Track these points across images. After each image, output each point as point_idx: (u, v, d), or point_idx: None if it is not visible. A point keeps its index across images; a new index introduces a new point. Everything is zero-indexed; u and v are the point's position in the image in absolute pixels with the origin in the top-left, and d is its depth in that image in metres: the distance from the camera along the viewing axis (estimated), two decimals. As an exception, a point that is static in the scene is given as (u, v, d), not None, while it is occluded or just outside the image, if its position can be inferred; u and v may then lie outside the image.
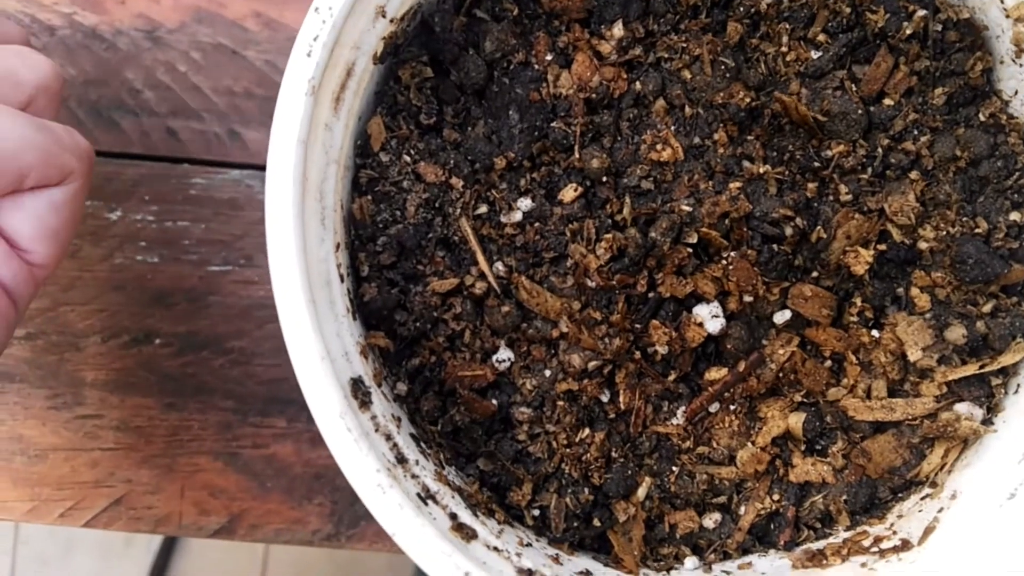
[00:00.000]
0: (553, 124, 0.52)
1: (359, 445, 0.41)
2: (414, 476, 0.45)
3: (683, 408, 0.54)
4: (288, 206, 0.40)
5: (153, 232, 0.61)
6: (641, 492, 0.53)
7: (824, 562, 0.51)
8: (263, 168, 0.59)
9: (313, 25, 0.42)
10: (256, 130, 0.62)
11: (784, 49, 0.54)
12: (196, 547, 1.41)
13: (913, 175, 0.54)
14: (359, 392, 0.44)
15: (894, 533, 0.52)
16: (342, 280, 0.46)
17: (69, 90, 0.61)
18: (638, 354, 0.53)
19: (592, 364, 0.51)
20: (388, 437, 0.45)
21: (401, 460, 0.45)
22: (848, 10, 0.54)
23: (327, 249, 0.45)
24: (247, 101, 0.62)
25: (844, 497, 0.54)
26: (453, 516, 0.46)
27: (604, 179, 0.52)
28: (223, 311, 0.61)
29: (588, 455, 0.52)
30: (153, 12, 0.62)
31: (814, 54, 0.54)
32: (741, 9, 0.54)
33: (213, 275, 0.61)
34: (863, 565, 0.50)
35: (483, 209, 0.52)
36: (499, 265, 0.51)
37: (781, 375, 0.54)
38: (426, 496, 0.44)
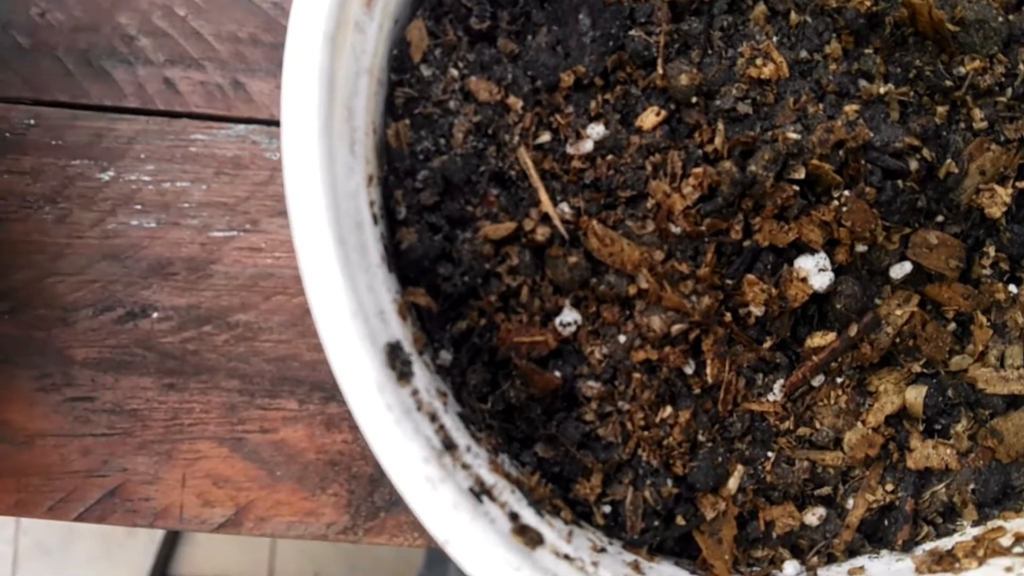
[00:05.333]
0: (631, 32, 0.42)
1: (402, 427, 0.32)
2: (465, 466, 0.36)
3: (781, 381, 0.45)
4: (312, 119, 0.31)
5: (149, 194, 0.56)
6: (732, 483, 0.44)
7: (956, 565, 0.43)
8: (270, 123, 0.56)
9: None
10: (263, 80, 0.56)
11: (911, -59, 0.44)
12: (202, 534, 1.37)
13: (1063, 98, 0.44)
14: (397, 361, 0.35)
15: (1039, 531, 0.43)
16: (375, 222, 0.37)
17: (57, 37, 0.56)
18: (728, 316, 0.44)
19: (676, 328, 0.42)
20: (433, 417, 0.36)
21: (449, 446, 0.36)
22: None
23: (357, 182, 0.36)
24: (253, 48, 0.57)
25: (972, 486, 0.45)
26: (514, 516, 0.37)
27: (693, 101, 0.43)
28: (227, 281, 0.56)
29: (670, 439, 0.43)
30: None
31: (948, -52, 0.44)
32: None
33: (216, 241, 0.56)
34: (1008, 569, 0.42)
35: (546, 137, 0.42)
36: (564, 206, 0.42)
37: (898, 340, 0.45)
38: (481, 491, 0.36)
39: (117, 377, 0.55)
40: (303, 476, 0.55)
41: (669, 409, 0.43)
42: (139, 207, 0.56)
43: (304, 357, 0.55)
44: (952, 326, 0.46)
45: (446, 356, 0.40)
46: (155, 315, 0.56)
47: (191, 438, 0.55)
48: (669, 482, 0.43)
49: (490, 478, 0.36)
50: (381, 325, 0.35)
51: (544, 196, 0.41)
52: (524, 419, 0.42)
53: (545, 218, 0.41)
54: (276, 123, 0.57)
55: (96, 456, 0.55)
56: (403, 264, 0.39)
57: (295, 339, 0.56)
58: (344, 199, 0.34)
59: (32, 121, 0.56)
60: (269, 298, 0.56)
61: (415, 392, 0.36)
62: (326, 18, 0.31)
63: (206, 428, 0.55)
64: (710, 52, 0.44)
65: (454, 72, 0.41)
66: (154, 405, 0.55)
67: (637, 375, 0.43)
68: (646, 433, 0.43)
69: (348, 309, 0.31)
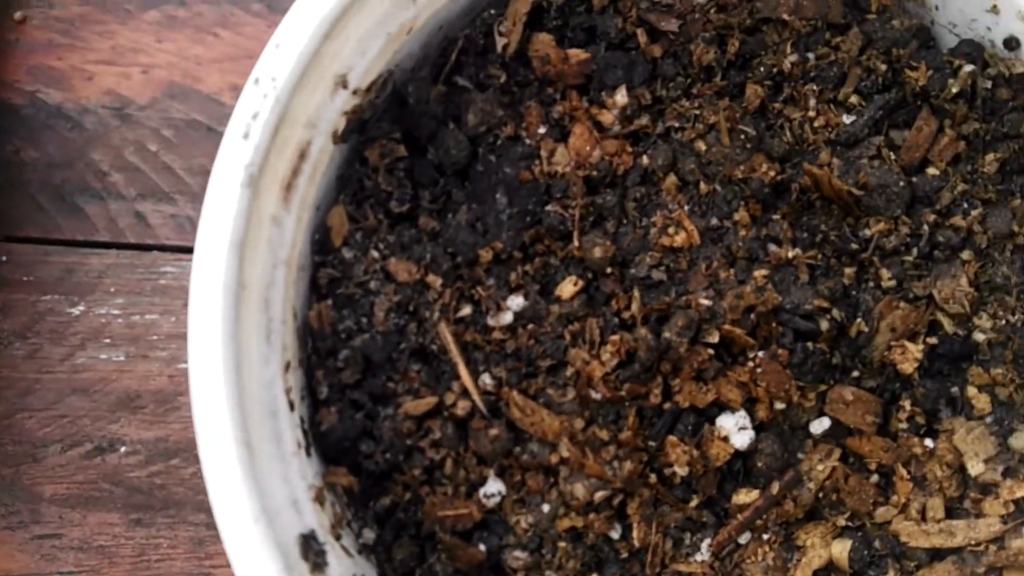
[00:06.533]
0: (548, 208, 0.44)
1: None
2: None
3: (708, 540, 0.45)
4: (215, 324, 0.32)
5: (119, 327, 0.57)
6: (663, 647, 0.44)
7: None
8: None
9: (252, 100, 0.34)
10: (233, 213, 0.58)
11: (812, 114, 0.47)
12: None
13: (965, 255, 0.47)
14: (311, 552, 0.35)
15: None
16: (292, 408, 0.38)
17: (31, 174, 0.58)
18: (653, 477, 0.44)
19: (599, 495, 0.43)
20: (351, 607, 0.36)
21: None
22: (884, 67, 0.47)
23: (273, 372, 0.37)
24: (223, 181, 0.58)
25: (901, 642, 0.45)
26: None
27: (608, 270, 0.44)
28: (195, 414, 0.56)
29: (598, 606, 0.43)
30: (123, 88, 0.59)
31: (846, 119, 0.47)
32: (761, 69, 0.46)
33: (184, 373, 0.57)
34: None
35: (466, 311, 0.43)
36: (486, 378, 0.43)
37: (821, 495, 0.46)
38: None
39: (85, 513, 0.55)
40: (273, 614, 0.54)
41: (595, 576, 0.43)
42: (108, 340, 0.57)
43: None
44: (875, 478, 0.47)
45: (370, 534, 0.41)
46: (123, 449, 0.56)
47: (158, 574, 0.55)
48: (596, 651, 0.43)
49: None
50: (295, 516, 0.35)
51: (463, 370, 0.42)
52: (452, 592, 0.43)
53: (466, 391, 0.42)
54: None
55: None
56: (324, 445, 0.40)
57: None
58: (256, 390, 0.35)
59: (4, 257, 0.57)
60: (236, 430, 0.56)
61: (331, 581, 0.36)
62: (232, 224, 0.33)
63: (173, 564, 0.55)
64: (625, 222, 0.46)
65: (375, 253, 0.42)
66: (121, 541, 0.55)
67: (563, 544, 0.43)
68: (573, 601, 0.43)
69: (251, 514, 0.32)
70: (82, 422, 0.56)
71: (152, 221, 0.58)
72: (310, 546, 0.35)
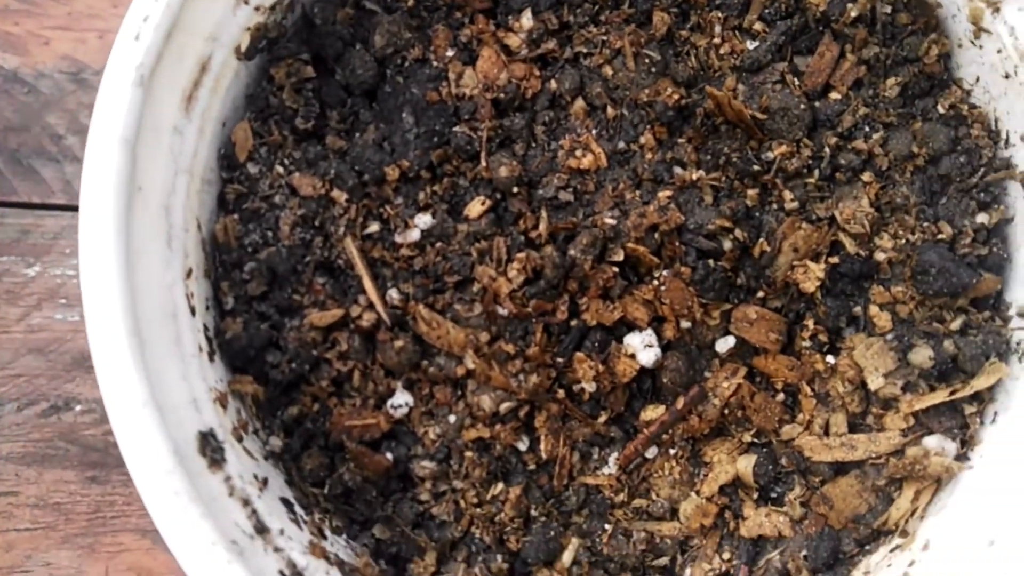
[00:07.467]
0: (456, 128, 0.45)
1: (189, 511, 0.33)
2: (277, 549, 0.37)
3: (616, 454, 0.46)
4: (108, 219, 0.33)
5: (74, 288, 0.58)
6: (567, 557, 0.45)
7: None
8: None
9: (143, 3, 0.35)
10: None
11: (717, 40, 0.48)
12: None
13: (866, 177, 0.48)
14: (208, 448, 0.36)
15: (862, 593, 0.45)
16: (193, 313, 0.38)
17: None
18: (561, 393, 0.45)
19: (505, 406, 0.44)
20: (246, 502, 0.37)
21: (261, 530, 0.37)
22: (786, -6, 0.48)
23: (174, 275, 0.37)
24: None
25: (804, 552, 0.47)
26: (330, 597, 0.38)
27: (516, 191, 0.45)
28: (153, 373, 0.56)
29: (503, 515, 0.44)
30: (79, 53, 0.60)
31: (750, 45, 0.48)
32: (667, -4, 0.48)
33: None
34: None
35: (374, 227, 0.44)
36: (393, 293, 0.44)
37: (727, 412, 0.47)
38: (292, 574, 0.36)
39: (41, 471, 0.56)
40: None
41: (501, 485, 0.44)
42: (64, 301, 0.57)
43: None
44: (780, 396, 0.48)
45: (276, 442, 0.42)
46: (79, 408, 0.56)
47: (114, 531, 0.55)
48: (499, 558, 0.44)
49: (303, 560, 0.37)
50: (193, 413, 0.36)
51: (370, 283, 0.43)
52: (361, 501, 0.43)
53: (371, 305, 0.43)
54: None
55: (19, 551, 0.55)
56: (229, 353, 0.41)
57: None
58: (155, 291, 0.36)
59: (-39, 220, 0.57)
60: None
61: (228, 478, 0.37)
62: (123, 121, 0.34)
63: (128, 520, 0.55)
64: (532, 145, 0.47)
65: (280, 169, 0.43)
66: (77, 498, 0.55)
67: (469, 453, 0.44)
68: (478, 510, 0.44)
69: (140, 398, 0.32)
70: (38, 381, 0.57)
71: (106, 183, 0.58)
72: (208, 442, 0.36)
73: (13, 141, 0.59)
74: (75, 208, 0.56)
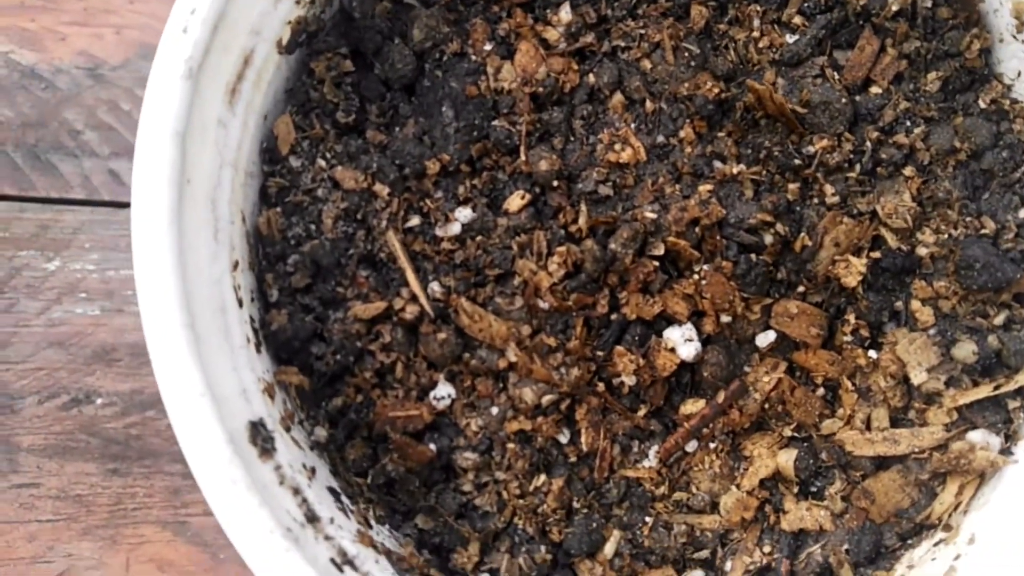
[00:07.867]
0: (495, 122, 0.45)
1: (247, 499, 0.33)
2: (328, 538, 0.37)
3: (656, 448, 0.46)
4: (162, 212, 0.33)
5: (94, 282, 0.58)
6: (609, 548, 0.45)
7: (828, 625, 0.44)
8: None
9: (192, -2, 0.35)
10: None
11: (756, 34, 0.48)
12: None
13: (907, 171, 0.47)
14: (259, 437, 0.36)
15: (906, 587, 0.44)
16: (240, 305, 0.39)
17: (6, 133, 0.59)
18: (601, 386, 0.45)
19: (547, 399, 0.44)
20: (296, 491, 0.37)
21: (312, 519, 0.37)
22: (826, -12, 0.48)
23: (221, 268, 0.38)
24: (197, 139, 0.59)
25: (845, 546, 0.47)
26: (377, 586, 0.38)
27: (555, 184, 0.45)
28: (171, 367, 0.57)
29: (545, 506, 0.44)
30: (96, 49, 0.60)
31: (789, 38, 0.48)
32: (706, -11, 0.48)
33: None
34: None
35: (415, 221, 0.44)
36: (435, 285, 0.44)
37: (767, 406, 0.47)
38: (343, 561, 0.37)
39: (62, 463, 0.56)
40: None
41: (544, 477, 0.44)
42: (84, 295, 0.58)
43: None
44: (821, 391, 0.48)
45: (321, 432, 0.42)
46: (99, 401, 0.57)
47: (135, 522, 0.56)
48: (544, 548, 0.44)
49: (353, 549, 0.37)
50: (244, 404, 0.37)
51: (412, 276, 0.43)
52: (404, 491, 0.44)
53: (414, 297, 0.43)
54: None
55: (41, 542, 0.55)
56: (275, 344, 0.41)
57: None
58: (204, 285, 0.36)
59: (-20, 215, 0.58)
60: (213, 383, 0.56)
61: (278, 467, 0.37)
62: (175, 115, 0.34)
63: (150, 512, 0.56)
64: (571, 139, 0.47)
65: (322, 162, 0.43)
66: (98, 490, 0.56)
67: (511, 445, 0.44)
68: (522, 501, 0.44)
69: (196, 388, 0.33)
70: (59, 374, 0.57)
71: (126, 179, 0.59)
72: (258, 432, 0.36)
73: (31, 136, 0.59)
74: (94, 203, 0.58)
